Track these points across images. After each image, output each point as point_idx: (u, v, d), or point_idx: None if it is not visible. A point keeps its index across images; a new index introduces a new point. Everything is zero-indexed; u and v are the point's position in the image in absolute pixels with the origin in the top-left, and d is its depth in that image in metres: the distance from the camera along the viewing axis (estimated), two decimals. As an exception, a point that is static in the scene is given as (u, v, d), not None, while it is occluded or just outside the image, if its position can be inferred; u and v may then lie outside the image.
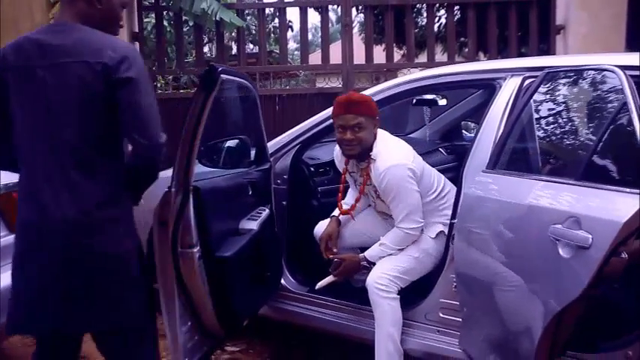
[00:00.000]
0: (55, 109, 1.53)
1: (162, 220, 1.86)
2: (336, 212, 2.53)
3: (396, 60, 5.92)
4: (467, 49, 5.81)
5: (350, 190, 2.60)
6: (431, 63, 5.01)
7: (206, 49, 8.48)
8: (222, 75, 1.84)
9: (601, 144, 1.68)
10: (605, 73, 1.76)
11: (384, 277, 2.25)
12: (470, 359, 2.06)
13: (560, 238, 1.57)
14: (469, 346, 2.08)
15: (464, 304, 2.09)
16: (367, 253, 2.36)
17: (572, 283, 1.52)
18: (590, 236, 1.48)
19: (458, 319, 2.13)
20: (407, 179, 2.23)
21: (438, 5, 5.78)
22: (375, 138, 2.30)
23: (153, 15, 5.60)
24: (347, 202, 2.56)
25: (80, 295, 1.55)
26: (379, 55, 5.38)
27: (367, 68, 5.96)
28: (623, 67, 1.65)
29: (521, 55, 5.20)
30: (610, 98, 1.74)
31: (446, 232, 2.28)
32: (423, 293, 2.27)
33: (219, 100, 2.25)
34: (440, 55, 6.93)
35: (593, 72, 1.88)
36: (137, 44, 4.93)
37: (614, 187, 1.55)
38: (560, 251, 1.56)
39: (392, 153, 2.27)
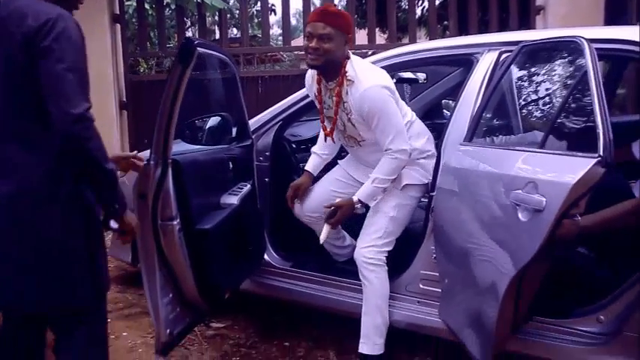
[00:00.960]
0: None
1: (142, 193, 1.87)
2: (308, 165, 2.51)
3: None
4: (448, 33, 5.83)
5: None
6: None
7: (189, 33, 8.38)
8: (198, 48, 1.84)
9: (564, 113, 1.73)
10: (576, 46, 1.79)
11: (371, 250, 2.25)
12: (449, 329, 2.09)
13: (520, 203, 1.62)
14: (448, 316, 2.12)
15: (443, 275, 2.12)
16: (360, 195, 2.28)
17: (527, 246, 1.57)
18: (544, 199, 1.54)
19: (438, 289, 2.15)
20: (389, 99, 2.18)
21: (420, -12, 5.80)
22: (345, 57, 2.21)
23: (134, -3, 5.53)
24: (318, 145, 2.55)
25: (22, 273, 1.50)
26: (362, 39, 5.37)
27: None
28: (591, 40, 1.68)
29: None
30: (579, 70, 1.78)
31: (411, 183, 2.29)
32: (403, 265, 2.29)
33: (199, 77, 2.25)
34: (422, 39, 6.93)
35: (567, 46, 1.91)
36: (118, 27, 4.89)
37: (571, 153, 1.60)
38: (520, 215, 1.61)
39: (368, 75, 2.19)
